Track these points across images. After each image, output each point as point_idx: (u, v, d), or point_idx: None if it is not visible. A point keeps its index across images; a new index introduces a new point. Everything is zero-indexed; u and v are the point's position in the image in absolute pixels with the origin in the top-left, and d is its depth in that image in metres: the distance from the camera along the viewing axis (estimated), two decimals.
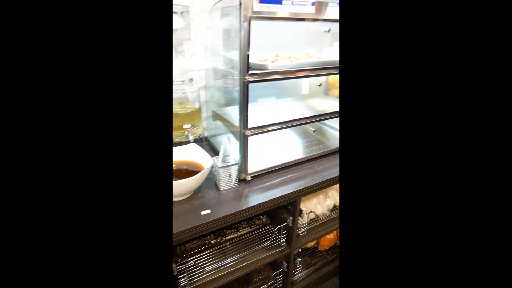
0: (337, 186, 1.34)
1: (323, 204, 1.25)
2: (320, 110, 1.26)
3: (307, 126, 1.16)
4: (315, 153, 1.19)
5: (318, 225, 1.25)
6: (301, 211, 1.12)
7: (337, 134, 1.39)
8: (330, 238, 1.37)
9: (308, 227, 1.20)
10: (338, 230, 1.40)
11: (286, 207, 1.08)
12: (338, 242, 1.43)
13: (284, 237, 1.11)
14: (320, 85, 1.07)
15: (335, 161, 1.19)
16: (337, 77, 1.39)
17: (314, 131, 1.24)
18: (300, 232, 1.15)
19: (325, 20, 0.93)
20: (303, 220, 1.14)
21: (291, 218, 1.05)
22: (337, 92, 1.41)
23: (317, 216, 1.25)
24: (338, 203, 1.32)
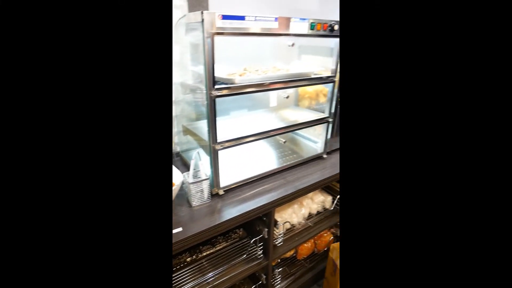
0: (312, 194, 1.36)
1: (298, 213, 1.26)
2: (292, 121, 1.28)
3: (278, 137, 1.18)
4: (287, 163, 1.20)
5: (294, 234, 1.26)
6: (276, 221, 1.12)
7: (309, 143, 1.42)
8: (308, 247, 1.38)
9: (285, 237, 1.21)
10: (315, 237, 1.42)
11: (261, 219, 1.08)
12: (316, 249, 1.44)
13: (260, 249, 1.10)
14: (287, 97, 1.10)
15: (307, 170, 1.22)
16: (307, 88, 1.43)
17: (284, 142, 1.26)
18: (276, 242, 1.15)
19: (289, 34, 0.96)
20: (279, 231, 1.14)
21: (266, 229, 1.05)
22: (307, 102, 1.45)
23: (292, 226, 1.26)
24: (313, 211, 1.34)
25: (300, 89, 1.46)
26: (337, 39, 1.13)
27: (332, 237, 1.46)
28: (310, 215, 1.34)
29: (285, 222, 1.16)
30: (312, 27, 1.01)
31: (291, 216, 1.24)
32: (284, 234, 1.20)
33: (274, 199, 0.99)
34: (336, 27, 1.06)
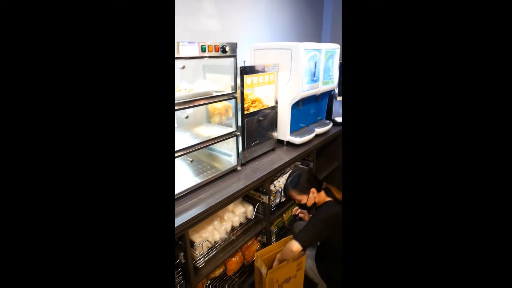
0: (232, 207, 1.39)
1: (219, 229, 1.26)
2: (205, 137, 1.30)
3: (185, 156, 1.17)
4: (201, 180, 1.20)
5: (218, 251, 1.25)
6: (193, 243, 1.10)
7: (224, 157, 1.45)
8: (236, 260, 1.39)
9: (207, 257, 1.19)
10: (243, 249, 1.44)
11: (177, 243, 1.05)
12: (245, 261, 1.46)
13: (179, 276, 1.07)
14: (186, 117, 1.11)
15: (222, 184, 1.24)
16: (215, 105, 1.47)
17: (191, 161, 1.27)
18: (198, 264, 1.13)
19: (179, 58, 0.98)
20: (199, 252, 1.12)
21: (182, 253, 1.02)
22: (217, 118, 1.49)
23: (215, 243, 1.25)
24: (236, 224, 1.36)
25: (209, 106, 1.49)
26: (232, 59, 1.20)
27: (259, 245, 1.50)
28: (233, 228, 1.36)
29: (204, 241, 1.15)
30: (203, 49, 1.05)
31: (213, 233, 1.24)
32: (206, 253, 1.19)
33: (184, 220, 0.98)
34: (227, 48, 1.13)
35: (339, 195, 1.24)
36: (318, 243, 1.36)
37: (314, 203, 1.24)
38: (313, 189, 1.20)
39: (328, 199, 1.23)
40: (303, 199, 1.22)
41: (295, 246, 1.11)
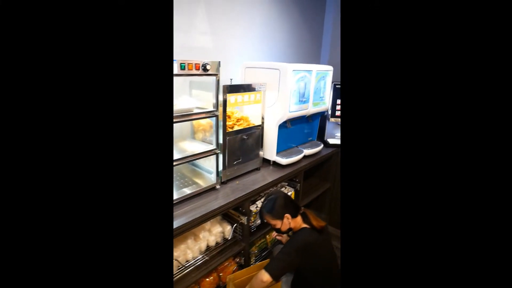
0: (209, 226, 1.36)
1: (193, 248, 1.23)
2: (188, 152, 1.29)
3: None
4: (175, 197, 1.19)
5: (190, 271, 1.22)
6: None
7: (206, 174, 1.44)
8: (210, 281, 1.35)
9: (177, 277, 1.16)
10: (219, 269, 1.40)
11: None
12: (220, 282, 1.41)
13: None
14: None
15: (197, 202, 1.22)
16: (201, 121, 1.47)
17: None
18: None
19: None
20: None
21: None
22: (201, 135, 1.48)
23: (187, 262, 1.22)
24: (212, 244, 1.33)
25: (194, 121, 1.49)
26: (214, 77, 1.21)
27: (236, 267, 1.45)
28: (209, 248, 1.33)
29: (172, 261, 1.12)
30: (182, 67, 1.06)
31: (185, 252, 1.21)
32: (176, 273, 1.16)
33: None
34: (209, 66, 1.14)
35: (316, 222, 1.20)
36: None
37: (290, 228, 1.20)
38: (287, 215, 1.17)
39: (304, 225, 1.19)
40: (277, 224, 1.18)
41: (265, 277, 1.06)
